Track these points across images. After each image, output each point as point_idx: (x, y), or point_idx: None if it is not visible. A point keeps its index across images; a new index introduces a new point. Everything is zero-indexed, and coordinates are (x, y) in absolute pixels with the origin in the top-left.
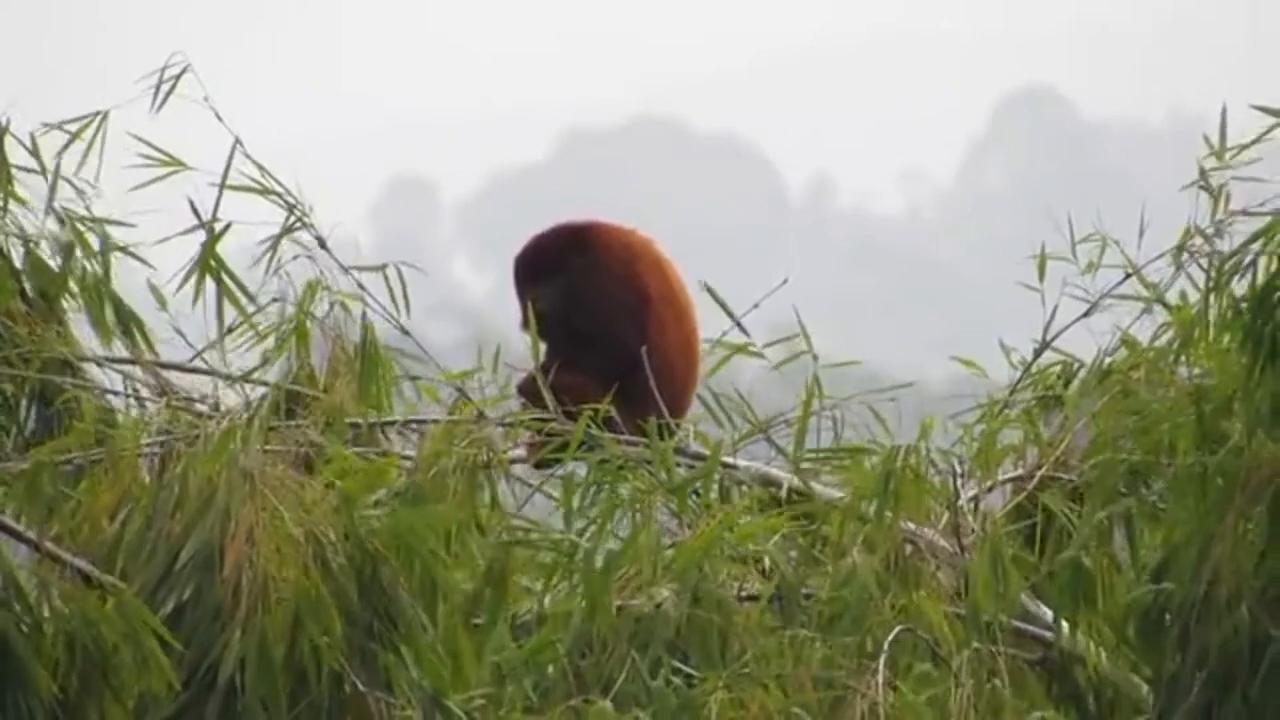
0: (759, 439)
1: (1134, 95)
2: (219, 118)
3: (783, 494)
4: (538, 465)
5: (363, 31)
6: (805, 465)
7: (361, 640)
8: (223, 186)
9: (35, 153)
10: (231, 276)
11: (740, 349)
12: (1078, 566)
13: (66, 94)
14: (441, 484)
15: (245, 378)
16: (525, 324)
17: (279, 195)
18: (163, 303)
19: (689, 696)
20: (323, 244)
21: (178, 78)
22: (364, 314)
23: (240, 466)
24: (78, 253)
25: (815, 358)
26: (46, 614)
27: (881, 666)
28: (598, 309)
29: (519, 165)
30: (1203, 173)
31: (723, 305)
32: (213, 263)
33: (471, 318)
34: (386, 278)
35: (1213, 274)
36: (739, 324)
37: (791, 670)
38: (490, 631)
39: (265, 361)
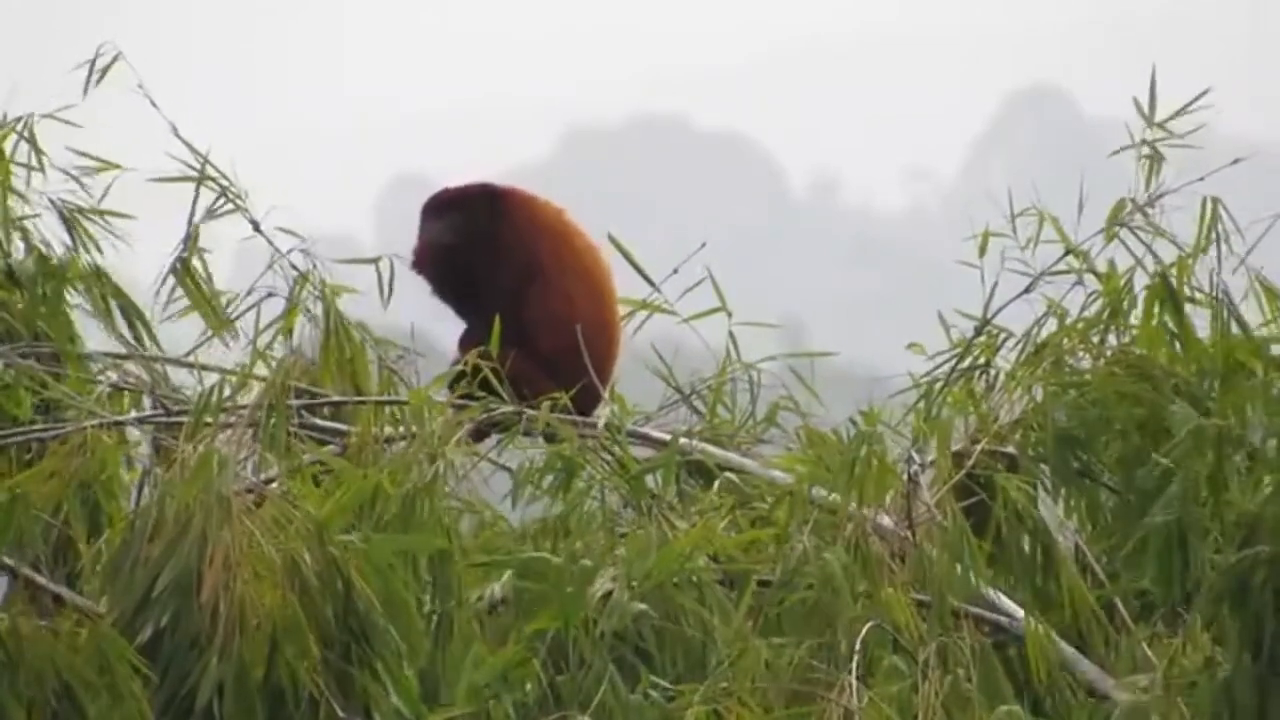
0: (678, 403)
1: (1137, 92)
2: (154, 104)
3: (719, 475)
4: (475, 437)
5: (364, 30)
6: (744, 445)
7: (338, 663)
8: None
9: (33, 141)
10: (199, 286)
11: (654, 308)
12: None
13: (65, 93)
14: (404, 468)
15: (243, 374)
16: (415, 262)
17: (214, 180)
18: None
19: (667, 710)
20: (257, 227)
21: (108, 67)
22: (324, 289)
23: (218, 492)
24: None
25: (730, 314)
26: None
27: (854, 668)
28: (497, 274)
29: (521, 162)
30: (1130, 135)
31: (631, 261)
32: (190, 273)
33: None
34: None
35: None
36: (654, 285)
37: (765, 676)
38: (467, 651)
39: (255, 359)
